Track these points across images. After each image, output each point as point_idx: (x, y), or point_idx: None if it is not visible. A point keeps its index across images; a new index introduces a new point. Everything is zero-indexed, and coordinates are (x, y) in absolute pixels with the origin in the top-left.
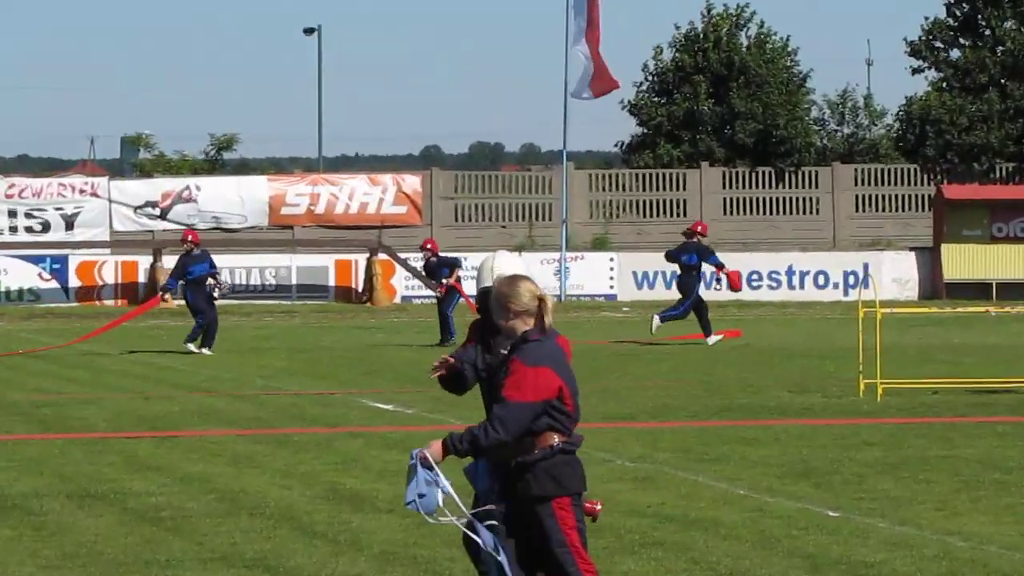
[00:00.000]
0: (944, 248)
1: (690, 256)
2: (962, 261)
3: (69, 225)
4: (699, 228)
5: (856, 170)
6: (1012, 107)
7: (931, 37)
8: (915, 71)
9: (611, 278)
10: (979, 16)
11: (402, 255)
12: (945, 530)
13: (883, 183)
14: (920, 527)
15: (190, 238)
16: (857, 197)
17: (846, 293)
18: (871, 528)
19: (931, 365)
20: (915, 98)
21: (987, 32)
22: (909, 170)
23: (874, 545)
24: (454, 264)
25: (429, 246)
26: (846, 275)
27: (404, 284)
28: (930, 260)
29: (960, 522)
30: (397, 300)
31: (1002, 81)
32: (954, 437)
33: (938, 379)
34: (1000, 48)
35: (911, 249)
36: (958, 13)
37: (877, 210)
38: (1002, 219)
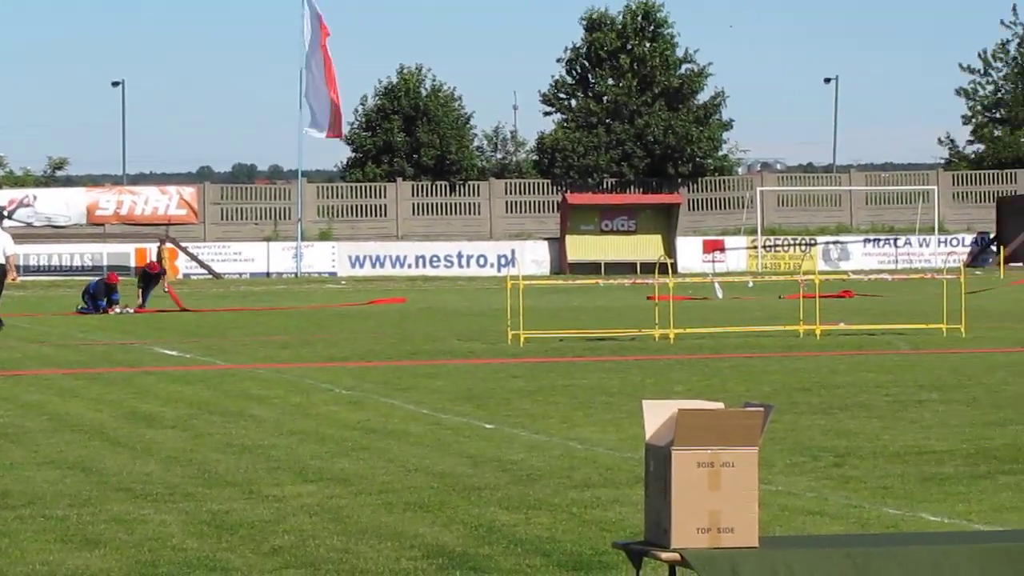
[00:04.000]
0: (568, 239)
1: None
2: (580, 247)
3: None
4: None
5: (506, 183)
6: (614, 140)
7: (557, 90)
8: (546, 114)
9: (333, 261)
10: (588, 75)
11: (183, 244)
12: (568, 437)
13: (525, 193)
14: (550, 435)
15: None
16: (507, 203)
17: (499, 270)
18: (515, 436)
19: (558, 321)
20: (547, 134)
21: (595, 86)
22: (543, 184)
23: (518, 448)
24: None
25: (111, 279)
26: (500, 257)
27: (185, 265)
28: (558, 247)
29: (578, 431)
30: (180, 276)
31: (607, 121)
32: (574, 372)
33: (563, 331)
34: (604, 98)
35: (545, 239)
36: (574, 72)
37: (521, 212)
38: (608, 218)
